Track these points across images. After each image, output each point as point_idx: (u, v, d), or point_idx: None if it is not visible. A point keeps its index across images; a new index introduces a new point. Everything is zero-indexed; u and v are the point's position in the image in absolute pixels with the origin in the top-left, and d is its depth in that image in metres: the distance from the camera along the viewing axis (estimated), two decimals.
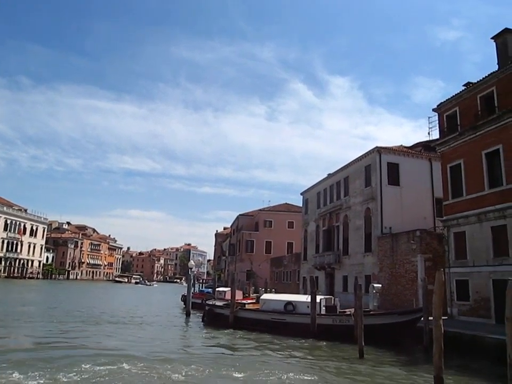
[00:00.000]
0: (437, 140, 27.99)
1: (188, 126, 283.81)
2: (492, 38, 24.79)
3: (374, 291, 27.34)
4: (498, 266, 21.65)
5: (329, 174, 43.30)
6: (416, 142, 39.47)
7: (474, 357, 16.03)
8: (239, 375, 13.33)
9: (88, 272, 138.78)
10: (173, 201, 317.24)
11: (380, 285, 28.78)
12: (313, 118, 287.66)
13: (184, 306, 38.12)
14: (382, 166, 33.45)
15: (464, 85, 25.86)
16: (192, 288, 35.96)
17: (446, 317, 23.74)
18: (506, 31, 24.16)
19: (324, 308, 22.91)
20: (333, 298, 25.52)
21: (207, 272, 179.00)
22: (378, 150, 33.83)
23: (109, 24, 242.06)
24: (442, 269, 10.64)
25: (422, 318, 18.85)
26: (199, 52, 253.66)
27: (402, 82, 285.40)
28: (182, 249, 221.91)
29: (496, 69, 23.52)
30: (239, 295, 34.27)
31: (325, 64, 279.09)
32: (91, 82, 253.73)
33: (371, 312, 22.67)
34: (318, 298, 22.66)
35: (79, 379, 12.08)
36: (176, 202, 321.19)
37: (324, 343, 19.86)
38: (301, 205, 54.21)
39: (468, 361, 15.75)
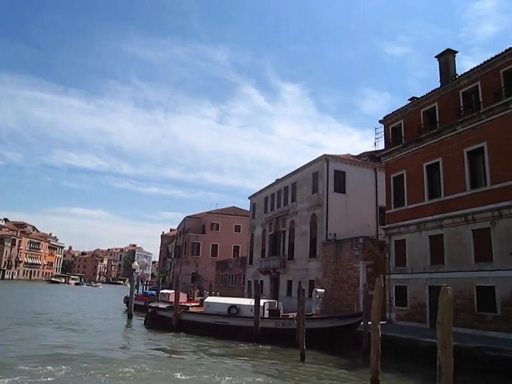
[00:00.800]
0: (382, 150, 28.97)
1: (138, 125, 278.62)
2: (435, 57, 26.00)
3: (317, 296, 27.87)
4: (434, 273, 22.68)
5: (277, 180, 43.75)
6: (362, 152, 40.70)
7: (410, 359, 16.66)
8: (181, 377, 13.23)
9: (25, 272, 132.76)
10: (119, 200, 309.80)
11: (323, 290, 29.37)
12: (264, 123, 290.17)
13: (127, 308, 37.29)
14: (329, 173, 34.20)
15: (409, 99, 26.96)
16: (136, 290, 35.28)
17: (385, 322, 24.57)
18: (448, 51, 25.43)
19: (267, 312, 23.09)
20: (276, 302, 25.76)
21: (152, 274, 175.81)
22: (326, 158, 34.58)
23: (58, 15, 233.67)
24: (382, 275, 11.02)
25: (362, 323, 19.38)
26: (151, 50, 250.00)
27: (351, 92, 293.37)
28: (126, 250, 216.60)
29: (439, 86, 24.72)
30: (183, 297, 33.96)
31: (277, 70, 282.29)
32: (36, 74, 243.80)
33: (313, 316, 23.07)
34: (262, 302, 22.82)
35: (14, 380, 11.62)
36: (122, 202, 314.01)
37: (267, 346, 20.01)
38: (248, 209, 54.44)
39: (404, 363, 16.34)
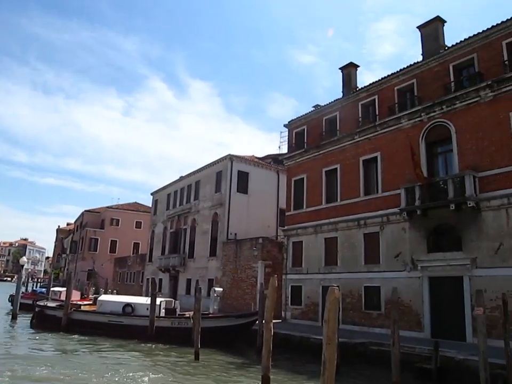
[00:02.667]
0: (285, 153, 29.87)
1: (35, 110, 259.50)
2: (339, 68, 27.36)
3: (215, 294, 28.06)
4: (328, 274, 23.87)
5: (181, 177, 43.37)
6: (267, 154, 41.66)
7: (302, 356, 17.31)
8: (67, 378, 12.64)
9: None
10: (10, 190, 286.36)
11: (221, 289, 29.62)
12: (171, 118, 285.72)
13: (12, 308, 34.50)
14: (232, 173, 34.63)
15: (313, 106, 28.11)
16: (24, 288, 32.77)
17: (280, 320, 25.37)
18: (351, 64, 26.92)
19: (163, 310, 22.77)
20: (173, 301, 25.47)
21: (45, 270, 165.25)
22: (231, 158, 34.94)
23: None
24: (277, 275, 11.34)
25: (258, 321, 19.80)
26: (55, 31, 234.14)
27: (259, 95, 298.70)
28: (16, 244, 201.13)
29: (341, 96, 26.06)
30: (76, 295, 32.29)
31: (188, 66, 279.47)
32: None
33: (210, 315, 23.15)
34: (158, 300, 22.47)
35: None
36: (14, 192, 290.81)
37: (162, 345, 19.72)
38: (150, 205, 53.31)
39: (296, 360, 16.96)
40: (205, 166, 38.29)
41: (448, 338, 17.07)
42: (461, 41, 19.96)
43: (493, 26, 18.76)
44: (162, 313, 22.56)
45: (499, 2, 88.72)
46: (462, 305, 17.59)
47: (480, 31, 19.20)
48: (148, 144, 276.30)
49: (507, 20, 18.30)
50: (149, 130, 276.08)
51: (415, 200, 19.44)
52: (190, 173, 41.11)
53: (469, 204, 17.45)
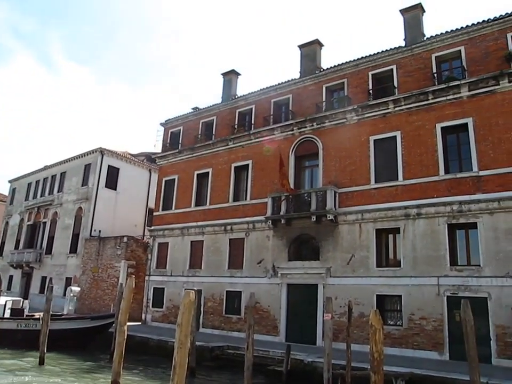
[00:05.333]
0: (159, 152, 29.21)
1: None
2: (221, 74, 27.63)
3: (72, 294, 26.37)
4: (191, 277, 23.74)
5: (46, 166, 40.12)
6: (141, 152, 40.37)
7: (159, 360, 16.84)
8: None
9: None
10: None
11: (79, 288, 27.95)
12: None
13: None
14: (102, 167, 32.96)
15: (192, 108, 27.96)
16: None
17: (140, 323, 24.64)
18: (233, 71, 27.33)
19: (8, 311, 20.64)
20: (22, 300, 23.20)
21: None
22: (102, 151, 33.24)
23: None
24: (134, 276, 10.92)
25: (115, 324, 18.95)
26: None
27: (139, 90, 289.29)
28: None
29: (220, 102, 26.31)
30: None
31: (65, 48, 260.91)
32: None
33: (63, 317, 21.60)
34: (3, 300, 20.38)
35: None
36: None
37: (6, 350, 17.77)
38: (7, 194, 48.40)
39: (152, 365, 16.46)
40: (73, 156, 35.90)
41: (301, 342, 18.03)
42: (334, 66, 21.39)
43: (362, 57, 20.43)
44: (8, 314, 20.44)
45: (376, 30, 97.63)
46: (316, 311, 18.69)
47: (352, 59, 20.79)
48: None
49: (374, 53, 20.09)
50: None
51: (280, 209, 20.27)
52: (56, 163, 38.19)
53: (328, 217, 18.67)
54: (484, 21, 17.44)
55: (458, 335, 12.02)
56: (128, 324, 10.04)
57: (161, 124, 29.18)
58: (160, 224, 26.55)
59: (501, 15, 17.12)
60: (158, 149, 28.95)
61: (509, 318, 14.32)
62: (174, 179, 26.70)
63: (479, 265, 15.37)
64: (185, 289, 23.49)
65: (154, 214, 27.58)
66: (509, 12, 16.96)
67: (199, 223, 24.24)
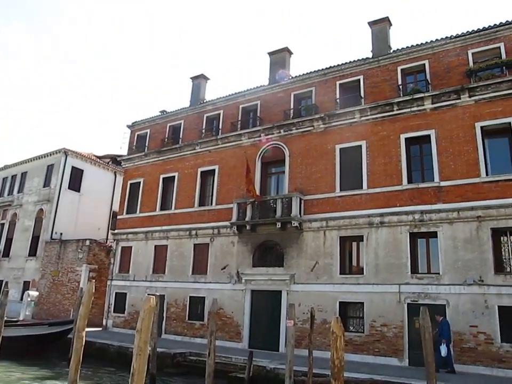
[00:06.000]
0: (125, 155, 28.77)
1: None
2: (190, 78, 27.53)
3: (29, 299, 25.57)
4: (154, 282, 23.41)
5: (6, 165, 38.92)
6: (107, 154, 39.64)
7: (119, 367, 16.46)
8: None
9: None
10: None
11: (37, 293, 27.16)
12: None
13: None
14: (65, 168, 32.22)
15: (160, 111, 27.70)
16: None
17: (101, 328, 24.11)
18: (202, 76, 27.26)
19: None
20: None
21: None
22: (65, 152, 32.49)
23: None
24: (94, 280, 10.68)
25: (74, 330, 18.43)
26: None
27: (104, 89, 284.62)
28: None
29: (188, 105, 26.18)
30: None
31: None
32: None
33: (18, 323, 20.88)
34: None
35: None
36: None
37: None
38: None
39: (111, 372, 16.05)
40: (35, 156, 34.92)
41: (264, 348, 18.02)
42: (303, 74, 21.63)
43: (330, 66, 20.75)
44: None
45: (345, 41, 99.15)
46: (279, 317, 18.71)
47: (320, 68, 21.09)
48: None
49: (342, 63, 20.43)
50: None
51: (246, 215, 20.26)
52: (16, 162, 37.10)
53: (293, 224, 18.79)
54: (447, 37, 18.03)
55: (418, 342, 12.24)
56: (88, 329, 9.78)
57: (128, 126, 28.77)
58: (124, 228, 26.09)
59: (463, 33, 17.74)
60: (124, 151, 28.52)
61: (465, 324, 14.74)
62: (140, 182, 26.33)
63: (439, 273, 15.77)
64: (147, 294, 23.22)
65: (118, 217, 27.10)
66: (470, 30, 17.64)
67: (164, 227, 23.95)
